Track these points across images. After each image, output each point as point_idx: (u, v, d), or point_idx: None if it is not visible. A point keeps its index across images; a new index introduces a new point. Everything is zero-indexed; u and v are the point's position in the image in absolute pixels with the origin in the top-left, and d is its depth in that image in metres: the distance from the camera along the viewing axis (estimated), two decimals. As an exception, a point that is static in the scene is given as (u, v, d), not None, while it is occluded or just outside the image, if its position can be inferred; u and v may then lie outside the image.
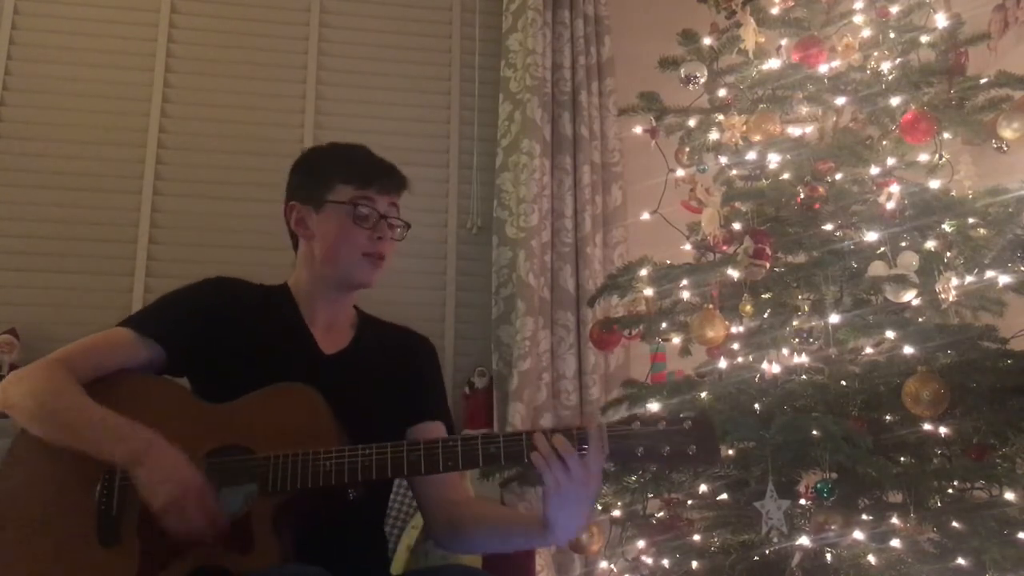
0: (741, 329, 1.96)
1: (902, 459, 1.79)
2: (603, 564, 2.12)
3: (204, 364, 1.45)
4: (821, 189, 1.94)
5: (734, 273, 1.86)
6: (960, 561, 1.59)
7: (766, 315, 1.97)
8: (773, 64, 2.13)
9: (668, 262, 2.06)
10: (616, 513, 1.96)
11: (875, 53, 2.07)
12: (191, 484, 1.23)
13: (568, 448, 1.22)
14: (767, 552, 1.80)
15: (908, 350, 1.72)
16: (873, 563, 1.73)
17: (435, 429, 1.53)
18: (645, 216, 2.21)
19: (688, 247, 2.25)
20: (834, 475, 1.63)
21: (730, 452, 1.84)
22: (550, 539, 1.29)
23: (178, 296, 1.52)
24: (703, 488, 1.99)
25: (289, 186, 1.60)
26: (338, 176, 1.51)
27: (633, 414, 1.31)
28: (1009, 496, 1.66)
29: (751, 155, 2.05)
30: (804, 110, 2.18)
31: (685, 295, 2.06)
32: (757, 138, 2.03)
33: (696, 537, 1.94)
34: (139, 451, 1.26)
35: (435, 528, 1.51)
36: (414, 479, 1.52)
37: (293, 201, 1.57)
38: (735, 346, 2.00)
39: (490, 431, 1.28)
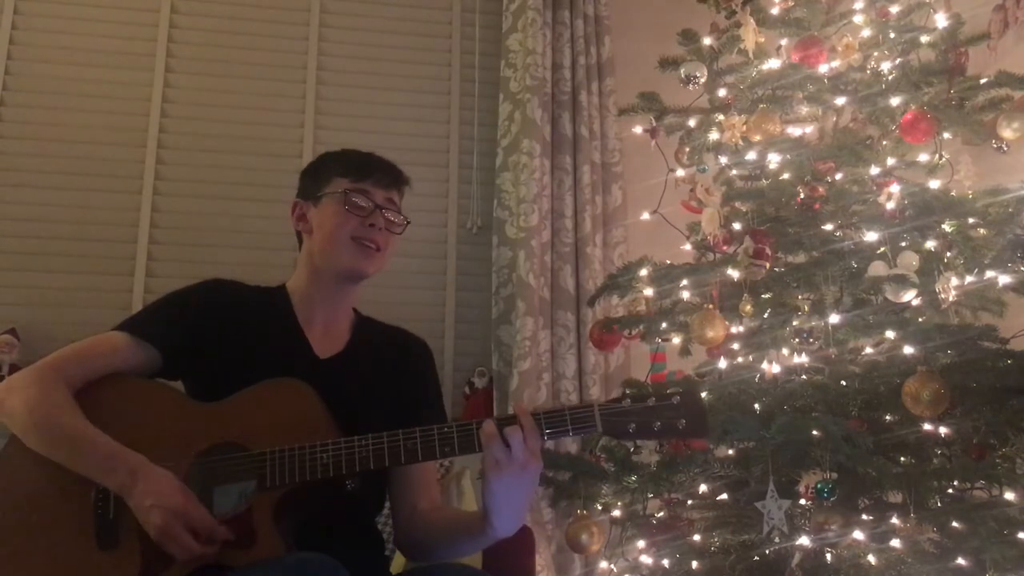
0: (741, 329, 1.96)
1: (902, 459, 1.79)
2: (603, 564, 2.12)
3: (199, 367, 1.45)
4: (821, 189, 1.94)
5: (734, 273, 1.86)
6: (960, 561, 1.59)
7: (766, 315, 1.97)
8: (773, 64, 2.13)
9: (668, 262, 2.06)
10: (616, 513, 1.96)
11: (875, 53, 2.07)
12: (177, 507, 1.22)
13: (513, 431, 1.23)
14: (767, 552, 1.80)
15: (908, 350, 1.72)
16: (873, 563, 1.73)
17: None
18: (645, 216, 2.21)
19: (688, 247, 2.25)
20: (834, 475, 1.63)
21: (730, 452, 1.84)
22: (490, 531, 1.29)
23: (174, 299, 1.51)
24: (703, 488, 1.99)
25: (298, 188, 1.62)
26: (336, 170, 1.55)
27: (624, 392, 1.33)
28: (1009, 496, 1.66)
29: (751, 155, 2.05)
30: (804, 110, 2.18)
31: (685, 295, 2.06)
32: (757, 138, 2.03)
33: (696, 537, 1.94)
34: (126, 483, 1.25)
35: (398, 534, 1.54)
36: (392, 483, 1.53)
37: (297, 199, 1.60)
38: (735, 346, 2.00)
39: (481, 419, 1.29)
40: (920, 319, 1.93)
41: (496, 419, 1.26)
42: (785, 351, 1.93)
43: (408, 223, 1.59)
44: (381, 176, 1.55)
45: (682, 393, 1.28)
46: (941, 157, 1.91)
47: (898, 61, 2.03)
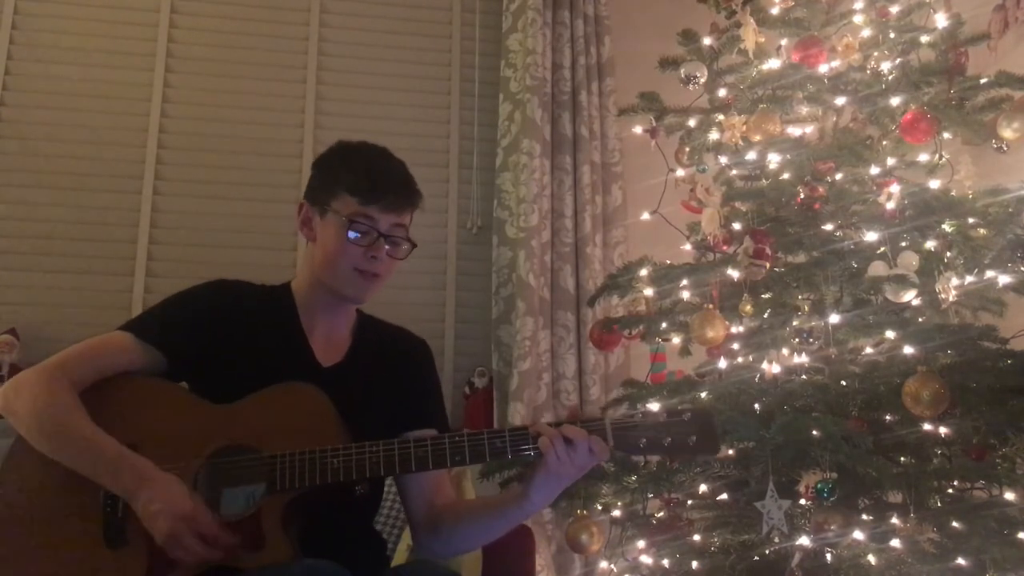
0: (741, 329, 1.96)
1: (902, 459, 1.78)
2: (603, 564, 2.12)
3: (203, 371, 1.44)
4: (821, 189, 1.94)
5: (734, 273, 1.86)
6: (960, 561, 1.59)
7: (766, 315, 1.97)
8: (773, 64, 2.13)
9: (668, 262, 2.06)
10: (616, 513, 1.96)
11: (875, 53, 2.07)
12: (184, 513, 1.23)
13: (580, 434, 1.27)
14: (767, 552, 1.80)
15: (908, 350, 1.71)
16: (873, 563, 1.73)
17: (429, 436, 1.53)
18: (645, 216, 2.21)
19: (688, 247, 2.25)
20: (834, 475, 1.63)
21: (730, 452, 1.84)
22: (527, 509, 1.36)
23: (179, 300, 1.50)
24: (703, 488, 1.99)
25: (308, 181, 1.55)
26: (345, 185, 1.46)
27: (635, 408, 1.34)
28: (1009, 496, 1.66)
29: (751, 155, 2.05)
30: (804, 110, 2.18)
31: (685, 295, 2.05)
32: (757, 138, 2.02)
33: (696, 537, 1.94)
34: (131, 488, 1.26)
35: (419, 533, 1.53)
36: (404, 485, 1.53)
37: (304, 199, 1.53)
38: (735, 346, 2.00)
39: (494, 428, 1.31)
40: (920, 319, 1.93)
41: (558, 424, 1.30)
42: (785, 351, 1.93)
43: (414, 247, 1.51)
44: (391, 200, 1.45)
45: (694, 410, 1.31)
46: (941, 157, 1.91)
47: (898, 61, 2.03)
